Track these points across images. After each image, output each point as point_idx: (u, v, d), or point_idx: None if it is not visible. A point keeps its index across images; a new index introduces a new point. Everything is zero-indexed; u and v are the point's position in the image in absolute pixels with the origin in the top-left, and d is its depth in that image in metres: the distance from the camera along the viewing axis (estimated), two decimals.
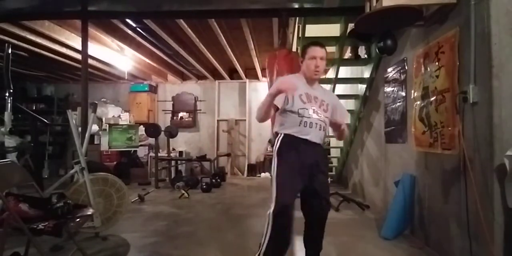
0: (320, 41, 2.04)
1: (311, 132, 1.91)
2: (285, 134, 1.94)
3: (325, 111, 2.00)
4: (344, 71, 5.26)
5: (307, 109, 1.92)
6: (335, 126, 2.03)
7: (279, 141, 1.95)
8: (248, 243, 2.74)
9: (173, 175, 6.45)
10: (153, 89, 7.95)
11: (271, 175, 1.96)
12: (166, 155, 6.56)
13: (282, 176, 1.87)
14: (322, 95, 2.03)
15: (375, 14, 2.30)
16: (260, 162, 7.73)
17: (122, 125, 6.26)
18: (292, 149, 1.90)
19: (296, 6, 3.58)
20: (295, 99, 1.91)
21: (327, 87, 4.64)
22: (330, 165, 6.10)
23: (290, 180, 1.87)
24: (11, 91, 2.88)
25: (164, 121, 7.91)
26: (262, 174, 7.51)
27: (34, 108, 7.57)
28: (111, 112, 7.19)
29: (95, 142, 6.58)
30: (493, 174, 1.79)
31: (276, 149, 1.95)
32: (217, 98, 8.04)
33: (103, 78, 7.67)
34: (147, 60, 6.09)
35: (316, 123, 1.93)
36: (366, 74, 4.31)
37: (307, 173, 1.90)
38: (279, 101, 1.90)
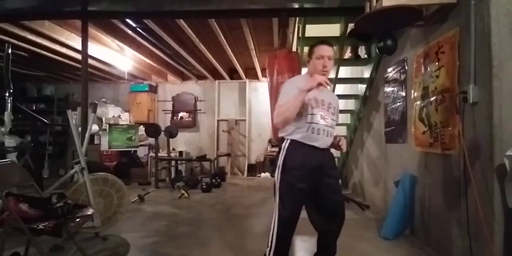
0: (328, 40, 1.95)
1: (319, 139, 1.83)
2: (291, 140, 1.84)
3: (333, 114, 1.93)
4: (344, 71, 5.25)
5: (315, 114, 1.83)
6: (333, 145, 1.96)
7: (285, 148, 1.85)
8: (248, 243, 2.74)
9: (173, 175, 6.45)
10: (153, 89, 7.95)
11: (274, 182, 1.88)
12: (166, 155, 6.56)
13: (285, 187, 1.82)
14: (329, 98, 1.95)
15: (375, 14, 2.30)
16: (260, 162, 7.72)
17: (122, 125, 6.26)
18: (298, 156, 1.81)
19: (296, 6, 3.58)
20: (304, 104, 1.81)
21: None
22: None
23: (294, 192, 1.81)
24: (11, 91, 2.88)
25: (164, 121, 7.91)
26: (262, 174, 7.50)
27: (34, 108, 7.57)
28: (111, 112, 7.17)
29: (95, 142, 6.56)
30: (493, 174, 1.78)
31: (281, 157, 1.84)
32: (217, 98, 8.04)
33: (103, 78, 7.67)
34: (147, 60, 6.08)
35: (324, 130, 1.84)
36: (366, 74, 4.31)
37: (313, 178, 1.83)
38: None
